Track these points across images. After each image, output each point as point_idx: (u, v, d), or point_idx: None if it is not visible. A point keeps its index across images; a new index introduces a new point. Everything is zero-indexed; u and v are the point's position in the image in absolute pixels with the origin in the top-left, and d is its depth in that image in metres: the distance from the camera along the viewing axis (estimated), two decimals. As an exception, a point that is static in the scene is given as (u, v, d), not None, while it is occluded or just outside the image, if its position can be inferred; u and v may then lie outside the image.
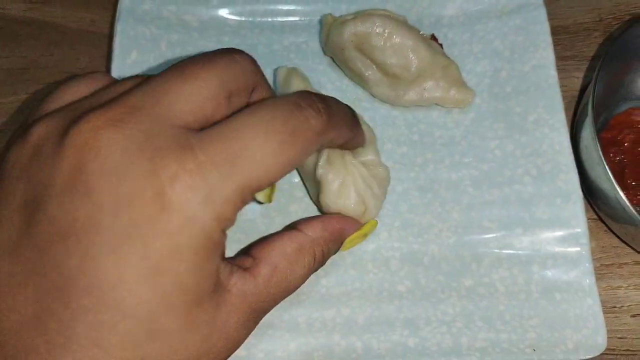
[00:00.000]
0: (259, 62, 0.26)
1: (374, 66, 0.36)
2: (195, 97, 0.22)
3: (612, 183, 0.31)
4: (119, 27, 0.38)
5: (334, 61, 0.39)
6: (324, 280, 0.34)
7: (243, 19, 0.40)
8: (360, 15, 0.36)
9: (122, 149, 0.20)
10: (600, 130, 0.39)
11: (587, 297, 0.33)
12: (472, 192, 0.36)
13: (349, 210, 0.31)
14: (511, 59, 0.38)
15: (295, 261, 0.27)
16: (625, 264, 0.37)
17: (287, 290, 0.26)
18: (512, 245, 0.34)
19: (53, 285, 0.20)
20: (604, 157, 0.36)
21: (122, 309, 0.20)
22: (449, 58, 0.37)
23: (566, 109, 0.38)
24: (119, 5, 0.38)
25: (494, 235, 0.35)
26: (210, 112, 0.22)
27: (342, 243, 0.30)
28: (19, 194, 0.21)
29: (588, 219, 0.37)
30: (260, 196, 0.30)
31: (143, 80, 0.23)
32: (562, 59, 0.41)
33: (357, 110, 0.37)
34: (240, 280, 0.24)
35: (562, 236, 0.34)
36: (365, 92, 0.38)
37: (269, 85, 0.27)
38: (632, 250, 0.37)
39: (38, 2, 0.42)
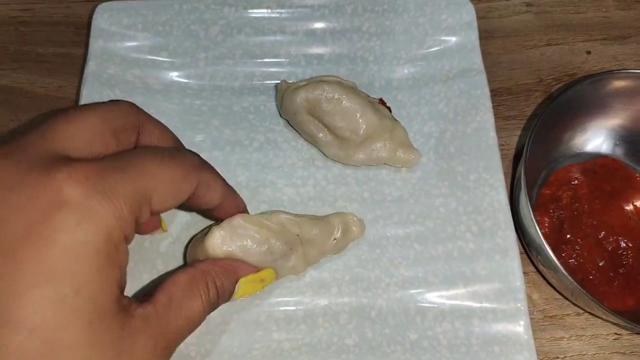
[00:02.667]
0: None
1: (325, 129, 0.38)
2: (81, 134, 0.24)
3: (545, 246, 0.33)
4: (84, 91, 0.39)
5: (289, 123, 0.41)
6: (276, 335, 0.35)
7: (204, 82, 0.42)
8: (312, 82, 0.38)
9: (14, 171, 0.21)
10: (541, 186, 0.41)
11: (525, 350, 0.34)
12: (418, 248, 0.38)
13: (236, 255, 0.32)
14: (455, 120, 0.41)
15: (189, 290, 0.27)
16: (567, 315, 0.38)
17: (190, 320, 0.27)
18: (455, 299, 0.36)
19: None
20: (544, 213, 0.39)
21: (13, 324, 0.19)
22: (396, 121, 0.39)
23: (509, 167, 0.41)
24: (85, 70, 0.40)
25: (438, 289, 0.37)
26: (98, 148, 0.25)
27: (236, 281, 0.31)
28: None
29: (530, 271, 0.39)
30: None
31: (37, 124, 0.25)
32: (505, 119, 0.43)
33: (312, 169, 0.39)
34: (141, 307, 0.24)
35: (501, 291, 0.36)
36: (319, 152, 0.40)
37: (158, 123, 0.30)
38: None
39: (7, 69, 0.44)
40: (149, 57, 0.42)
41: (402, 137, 0.39)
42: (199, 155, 0.30)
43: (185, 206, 0.30)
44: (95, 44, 0.41)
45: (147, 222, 0.28)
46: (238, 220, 0.33)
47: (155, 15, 0.42)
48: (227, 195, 0.32)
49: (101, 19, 0.42)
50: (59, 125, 0.24)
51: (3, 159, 0.22)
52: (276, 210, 0.35)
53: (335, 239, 0.36)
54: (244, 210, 0.34)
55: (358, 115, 0.37)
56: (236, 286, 0.31)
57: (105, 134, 0.25)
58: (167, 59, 0.42)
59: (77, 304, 0.20)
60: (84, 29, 0.45)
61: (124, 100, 0.28)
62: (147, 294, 0.27)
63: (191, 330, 0.27)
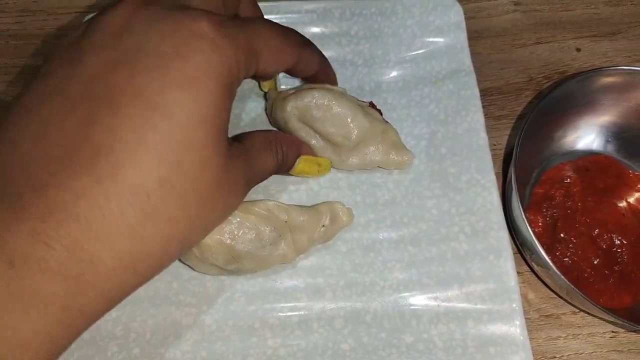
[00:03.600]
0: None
1: (318, 135, 0.38)
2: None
3: (537, 245, 0.33)
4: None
5: (281, 130, 0.41)
6: (271, 342, 0.35)
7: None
8: (301, 89, 0.38)
9: (159, 9, 0.26)
10: (533, 185, 0.41)
11: (520, 350, 0.34)
12: (411, 250, 0.38)
13: None
14: (445, 122, 0.41)
15: (266, 146, 0.33)
16: (563, 314, 0.38)
17: (263, 172, 0.33)
18: (450, 301, 0.36)
19: (103, 100, 0.23)
20: (537, 211, 0.39)
21: (163, 111, 0.23)
22: (387, 123, 0.39)
23: (501, 167, 0.41)
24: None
25: (433, 291, 0.36)
26: (214, 5, 0.29)
27: (298, 155, 0.36)
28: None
29: (525, 271, 0.39)
30: (265, 86, 0.41)
31: None
32: (496, 119, 0.43)
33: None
34: (235, 143, 0.30)
35: (495, 291, 0.36)
36: (311, 157, 0.40)
37: None
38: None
39: (-3, 83, 0.44)
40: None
41: (394, 139, 0.39)
42: (302, 35, 0.34)
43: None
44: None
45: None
46: None
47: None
48: (321, 68, 0.36)
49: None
50: None
51: (145, 4, 0.26)
52: (263, 199, 0.35)
53: (323, 226, 0.36)
54: (334, 82, 0.39)
55: (349, 120, 0.37)
56: (297, 161, 0.36)
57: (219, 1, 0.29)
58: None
59: (208, 114, 0.25)
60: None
61: None
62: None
63: (262, 180, 0.33)
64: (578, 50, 0.46)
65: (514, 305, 0.35)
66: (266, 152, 0.33)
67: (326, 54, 0.43)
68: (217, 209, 0.28)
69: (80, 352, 0.34)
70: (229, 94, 0.26)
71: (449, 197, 0.39)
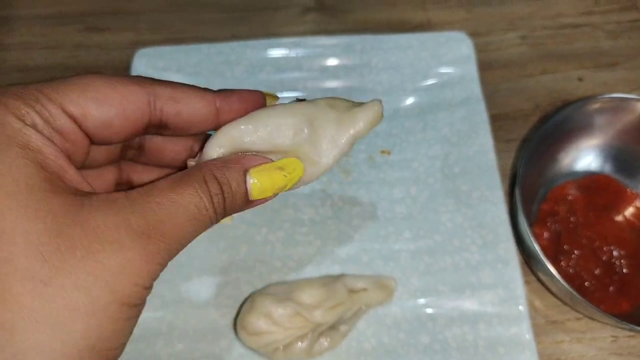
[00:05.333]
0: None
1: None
2: None
3: (542, 256, 0.37)
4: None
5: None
6: (300, 341, 0.39)
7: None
8: None
9: None
10: (540, 202, 0.45)
11: (526, 350, 0.38)
12: (427, 260, 0.42)
13: None
14: (458, 144, 0.45)
15: (180, 181, 0.22)
16: (568, 319, 0.42)
17: (189, 215, 0.21)
18: (463, 306, 0.40)
19: None
20: (543, 226, 0.43)
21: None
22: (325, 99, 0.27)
23: (508, 185, 0.45)
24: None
25: (447, 297, 0.40)
26: None
27: (244, 172, 0.24)
28: None
29: (532, 280, 0.43)
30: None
31: None
32: (505, 142, 0.47)
33: (329, 191, 0.43)
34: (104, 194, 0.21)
35: (504, 297, 0.39)
36: (334, 177, 0.45)
37: None
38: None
39: None
40: (182, 95, 0.47)
41: (345, 103, 0.27)
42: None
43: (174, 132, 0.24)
44: (135, 85, 0.46)
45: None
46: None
47: (188, 58, 0.47)
48: (219, 99, 0.24)
49: (140, 63, 0.47)
50: None
51: None
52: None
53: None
54: (260, 104, 0.26)
55: (280, 120, 0.26)
56: (247, 178, 0.24)
57: None
58: (198, 96, 0.47)
59: None
60: (125, 72, 0.50)
61: None
62: None
63: (194, 229, 0.22)
64: (580, 79, 0.51)
65: (521, 308, 0.39)
66: (181, 186, 0.21)
67: (349, 83, 0.48)
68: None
69: (131, 346, 0.38)
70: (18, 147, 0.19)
71: (462, 212, 0.43)
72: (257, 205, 0.25)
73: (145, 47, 0.48)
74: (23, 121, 0.19)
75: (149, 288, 0.20)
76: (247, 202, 0.24)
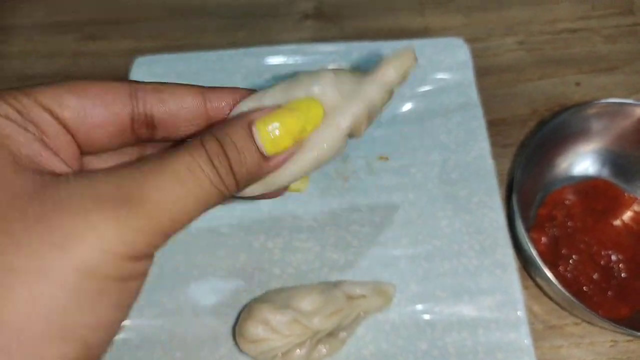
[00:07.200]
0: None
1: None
2: None
3: (539, 262, 0.37)
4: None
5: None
6: (299, 347, 0.39)
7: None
8: None
9: None
10: (538, 207, 0.45)
11: (525, 355, 0.38)
12: (426, 265, 0.42)
13: None
14: (456, 150, 0.45)
15: (170, 152, 0.21)
16: (566, 324, 0.42)
17: (179, 179, 0.20)
18: (461, 311, 0.40)
19: None
20: (540, 231, 0.43)
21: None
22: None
23: (506, 190, 0.45)
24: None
25: (446, 302, 0.40)
26: None
27: (247, 125, 0.22)
28: None
29: (530, 285, 0.43)
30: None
31: None
32: (503, 147, 0.48)
33: (328, 198, 0.44)
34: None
35: (502, 302, 0.40)
36: (334, 183, 0.45)
37: None
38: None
39: None
40: (180, 102, 0.47)
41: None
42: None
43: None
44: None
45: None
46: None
47: (187, 66, 0.48)
48: (206, 91, 0.24)
49: (139, 70, 0.47)
50: None
51: None
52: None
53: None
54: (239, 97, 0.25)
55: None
56: (254, 130, 0.22)
57: None
58: (197, 104, 0.47)
59: None
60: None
61: None
62: None
63: (187, 193, 0.20)
64: (578, 84, 0.51)
65: (519, 314, 0.39)
66: (170, 163, 0.20)
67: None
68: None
69: (129, 354, 0.39)
70: None
71: (460, 217, 0.43)
72: (283, 163, 0.23)
73: (144, 54, 0.49)
74: None
75: (128, 259, 0.18)
76: (263, 160, 0.22)
